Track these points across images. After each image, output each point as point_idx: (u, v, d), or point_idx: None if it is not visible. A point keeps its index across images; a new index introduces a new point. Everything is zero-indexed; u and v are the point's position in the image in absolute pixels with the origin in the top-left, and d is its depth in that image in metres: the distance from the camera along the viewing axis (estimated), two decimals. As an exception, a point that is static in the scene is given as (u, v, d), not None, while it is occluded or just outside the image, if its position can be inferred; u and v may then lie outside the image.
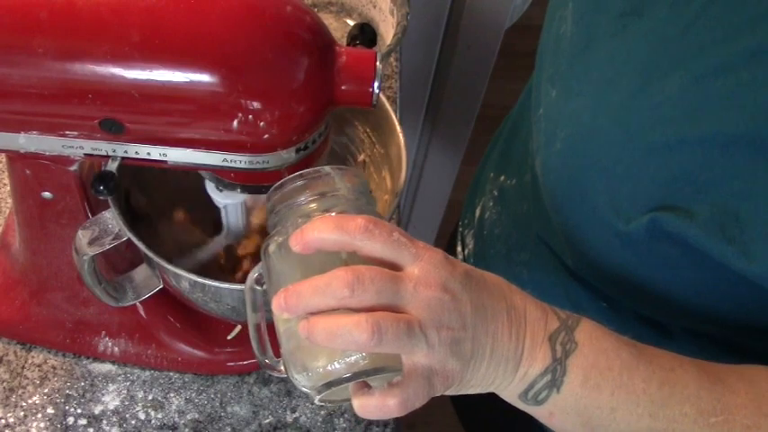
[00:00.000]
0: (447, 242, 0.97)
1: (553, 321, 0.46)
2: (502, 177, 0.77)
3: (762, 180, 0.45)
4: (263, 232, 0.65)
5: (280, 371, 0.49)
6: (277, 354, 0.48)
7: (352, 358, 0.42)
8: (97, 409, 0.69)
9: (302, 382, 0.43)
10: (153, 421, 0.69)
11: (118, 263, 0.67)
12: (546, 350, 0.45)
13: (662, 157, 0.50)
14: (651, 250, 0.53)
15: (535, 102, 0.65)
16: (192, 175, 0.55)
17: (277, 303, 0.43)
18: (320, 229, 0.43)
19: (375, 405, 0.43)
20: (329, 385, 0.42)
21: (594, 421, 0.46)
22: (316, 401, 0.44)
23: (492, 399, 0.49)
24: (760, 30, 0.45)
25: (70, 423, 0.68)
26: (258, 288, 0.49)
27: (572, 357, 0.45)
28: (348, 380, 0.42)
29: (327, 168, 0.47)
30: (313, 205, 0.46)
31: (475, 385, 0.46)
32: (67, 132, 0.50)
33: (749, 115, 0.45)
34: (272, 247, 0.46)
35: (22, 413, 0.68)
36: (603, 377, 0.45)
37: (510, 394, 0.47)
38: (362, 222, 0.43)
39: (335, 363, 0.42)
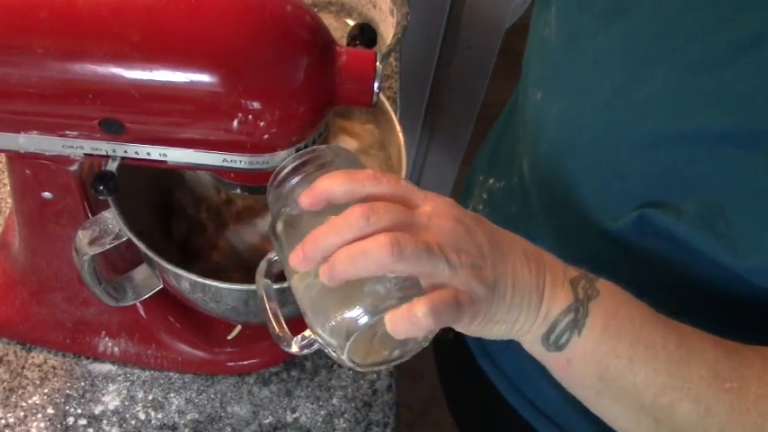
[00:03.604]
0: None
1: (572, 270, 0.46)
2: (491, 180, 0.78)
3: (746, 175, 0.45)
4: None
5: (292, 347, 0.50)
6: (294, 333, 0.50)
7: (375, 289, 0.42)
8: (97, 409, 0.69)
9: (327, 338, 0.43)
10: (153, 421, 0.69)
11: (118, 263, 0.67)
12: (568, 291, 0.45)
13: (647, 154, 0.50)
14: (639, 248, 0.53)
15: (522, 105, 0.65)
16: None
17: (295, 257, 0.43)
18: (329, 181, 0.43)
19: (402, 316, 0.41)
20: (352, 333, 0.42)
21: (611, 372, 0.45)
22: (346, 362, 0.43)
23: (488, 400, 0.49)
24: (741, 23, 0.45)
25: (70, 423, 0.68)
26: (268, 281, 0.49)
27: (594, 302, 0.45)
28: (370, 317, 0.41)
29: (322, 147, 0.48)
30: (316, 174, 0.46)
31: (501, 320, 0.45)
32: (67, 132, 0.50)
33: (733, 110, 0.45)
34: (279, 226, 0.46)
35: (22, 413, 0.68)
36: (624, 327, 0.45)
37: (532, 338, 0.46)
38: (370, 171, 0.44)
39: (356, 305, 0.42)
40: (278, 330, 0.50)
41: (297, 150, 0.50)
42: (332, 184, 0.43)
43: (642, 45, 0.50)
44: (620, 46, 0.52)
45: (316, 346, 0.50)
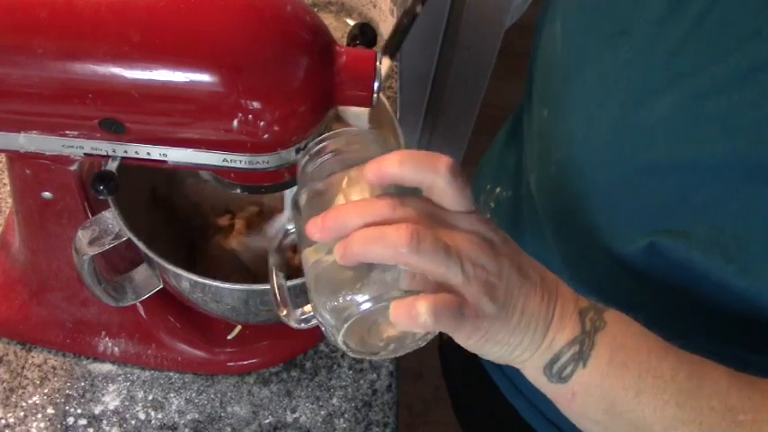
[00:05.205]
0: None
1: (583, 301, 0.46)
2: (497, 189, 0.77)
3: (757, 201, 0.45)
4: None
5: (291, 321, 0.50)
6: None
7: (383, 277, 0.42)
8: (97, 410, 0.69)
9: (326, 317, 0.43)
10: (153, 421, 0.69)
11: (118, 263, 0.67)
12: (575, 322, 0.44)
13: (656, 179, 0.50)
14: (649, 271, 0.52)
15: (527, 119, 0.65)
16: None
17: (313, 225, 0.43)
18: (395, 160, 0.42)
19: (403, 306, 0.41)
20: (351, 316, 0.42)
21: (618, 405, 0.44)
22: (340, 344, 0.43)
23: (492, 402, 0.48)
24: (749, 50, 0.44)
25: (70, 423, 0.68)
26: (279, 257, 0.49)
27: (600, 334, 0.44)
28: (372, 305, 0.41)
29: (359, 129, 0.50)
30: (351, 155, 0.46)
31: (502, 342, 0.44)
32: (67, 132, 0.50)
33: (740, 137, 0.45)
34: (303, 197, 0.47)
35: (22, 413, 0.68)
36: (631, 358, 0.44)
37: (534, 365, 0.45)
38: (448, 159, 0.43)
39: (361, 290, 0.42)
40: (280, 301, 0.50)
41: (297, 151, 0.50)
42: (399, 164, 0.42)
43: (649, 69, 0.50)
44: (627, 69, 0.51)
45: (313, 323, 0.50)
